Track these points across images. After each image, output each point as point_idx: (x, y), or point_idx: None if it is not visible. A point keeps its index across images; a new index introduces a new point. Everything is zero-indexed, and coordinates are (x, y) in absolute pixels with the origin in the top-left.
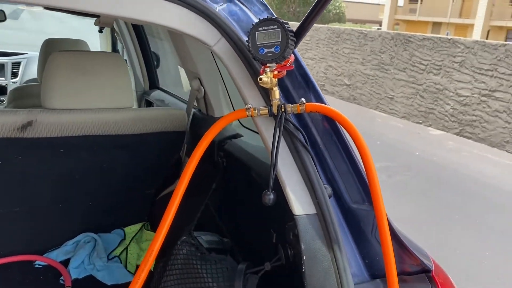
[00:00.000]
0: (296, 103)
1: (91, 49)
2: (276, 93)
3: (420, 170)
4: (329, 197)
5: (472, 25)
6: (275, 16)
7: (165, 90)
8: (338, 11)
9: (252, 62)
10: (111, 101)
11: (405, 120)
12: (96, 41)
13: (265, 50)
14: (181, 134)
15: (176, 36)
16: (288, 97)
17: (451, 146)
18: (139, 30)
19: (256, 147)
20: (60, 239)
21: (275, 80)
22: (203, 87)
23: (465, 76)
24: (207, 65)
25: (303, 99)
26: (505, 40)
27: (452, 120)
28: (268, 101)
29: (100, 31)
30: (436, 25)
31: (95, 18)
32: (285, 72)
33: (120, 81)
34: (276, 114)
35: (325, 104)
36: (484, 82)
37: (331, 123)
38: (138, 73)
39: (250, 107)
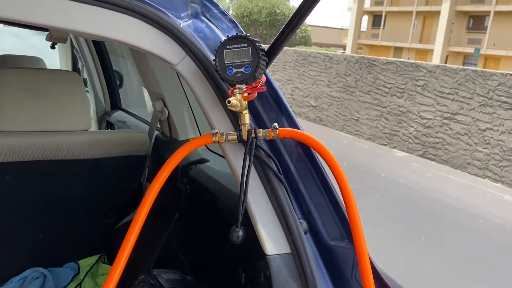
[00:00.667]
0: (267, 127)
1: (49, 67)
2: (246, 117)
3: (387, 192)
4: (305, 233)
5: (432, 50)
6: (245, 33)
7: (127, 110)
8: (304, 34)
9: (219, 83)
10: (65, 123)
11: (370, 141)
12: (56, 59)
13: (234, 70)
14: (142, 158)
15: (137, 54)
16: (258, 121)
17: (415, 168)
18: (100, 47)
19: (224, 174)
20: (4, 275)
21: (244, 103)
22: (167, 109)
23: (428, 99)
24: (171, 85)
25: (275, 124)
26: (462, 65)
27: (416, 142)
28: (237, 126)
29: (52, 47)
30: (398, 50)
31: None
32: (256, 94)
33: (75, 102)
34: (246, 140)
35: (299, 128)
36: (446, 105)
37: (305, 150)
38: (99, 92)
39: (217, 132)
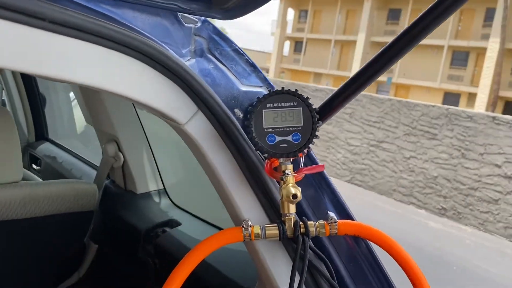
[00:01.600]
0: (309, 216)
1: None
2: (292, 206)
3: None
4: None
5: (348, 78)
6: (270, 82)
7: (57, 142)
8: None
9: (247, 151)
10: None
11: None
12: None
13: (278, 139)
14: (88, 215)
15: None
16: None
17: (342, 193)
18: None
19: None
20: None
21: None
22: (123, 154)
23: (355, 127)
24: (128, 124)
25: (332, 215)
26: (376, 92)
27: (344, 168)
28: (273, 214)
29: None
30: (317, 75)
31: None
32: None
33: (3, 145)
34: (291, 237)
35: (354, 218)
36: (372, 133)
37: (359, 244)
38: (21, 118)
39: (249, 224)
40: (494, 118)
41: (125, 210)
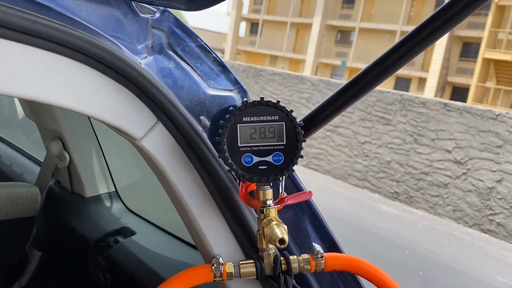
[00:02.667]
0: (295, 252)
1: None
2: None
3: None
4: None
5: (304, 61)
6: (243, 85)
7: None
8: None
9: (217, 170)
10: None
11: None
12: None
13: (255, 159)
14: (29, 220)
15: None
16: None
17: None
18: None
19: (163, 257)
20: None
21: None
22: (68, 153)
23: None
24: (74, 119)
25: (317, 247)
26: (330, 76)
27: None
28: (248, 248)
29: None
30: (273, 58)
31: None
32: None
33: None
34: (271, 275)
35: (340, 248)
36: None
37: (348, 280)
38: None
39: (220, 261)
40: (445, 104)
41: (72, 216)
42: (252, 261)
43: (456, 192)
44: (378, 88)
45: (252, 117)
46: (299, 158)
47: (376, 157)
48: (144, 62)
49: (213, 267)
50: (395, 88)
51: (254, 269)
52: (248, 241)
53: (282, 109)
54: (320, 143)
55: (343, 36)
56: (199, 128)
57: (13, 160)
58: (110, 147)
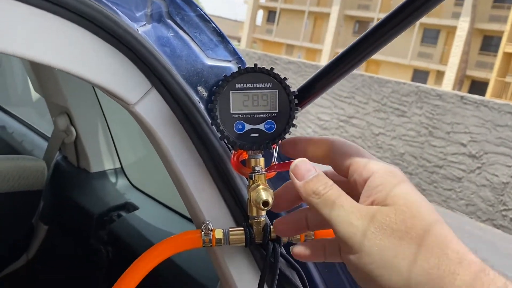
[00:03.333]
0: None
1: None
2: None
3: None
4: None
5: (321, 50)
6: (241, 56)
7: (8, 111)
8: None
9: (211, 139)
10: None
11: None
12: None
13: (247, 127)
14: (36, 194)
15: None
16: None
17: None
18: None
19: (165, 231)
20: None
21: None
22: (75, 128)
23: (326, 102)
24: (81, 95)
25: None
26: None
27: None
28: (239, 215)
29: None
30: (290, 47)
31: None
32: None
33: None
34: (260, 243)
35: None
36: (342, 109)
37: None
38: None
39: (210, 227)
40: (462, 97)
41: (77, 190)
42: (242, 228)
43: (469, 186)
44: (394, 79)
45: (245, 84)
46: (292, 127)
47: (390, 149)
48: (142, 30)
49: (203, 232)
50: (413, 81)
51: (243, 237)
52: (239, 209)
53: (276, 76)
54: (333, 134)
55: (361, 26)
56: (195, 97)
57: (24, 137)
58: (117, 124)
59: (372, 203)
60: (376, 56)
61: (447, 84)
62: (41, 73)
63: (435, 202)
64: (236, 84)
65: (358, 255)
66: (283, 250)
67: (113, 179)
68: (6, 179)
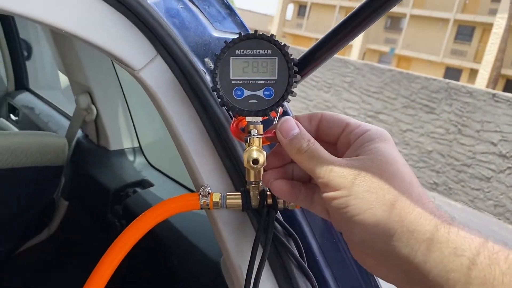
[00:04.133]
0: None
1: None
2: (259, 172)
3: None
4: None
5: (351, 46)
6: (248, 28)
7: (37, 93)
8: None
9: (212, 105)
10: None
11: None
12: None
13: (246, 93)
14: (57, 169)
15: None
16: None
17: None
18: None
19: None
20: None
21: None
22: (96, 107)
23: (353, 96)
24: (102, 75)
25: None
26: (378, 62)
27: None
28: (238, 180)
29: None
30: None
31: None
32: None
33: None
34: (257, 208)
35: None
36: (370, 104)
37: None
38: (1, 68)
39: (208, 191)
40: (494, 95)
41: (96, 167)
42: (239, 193)
43: (498, 187)
44: (424, 75)
45: (245, 50)
46: (290, 95)
47: (417, 146)
48: (152, 1)
49: (201, 195)
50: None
51: (240, 201)
52: (238, 175)
53: (276, 43)
54: None
55: (393, 22)
56: (200, 66)
57: (50, 118)
58: (137, 105)
59: (357, 155)
60: (407, 53)
61: (481, 83)
62: (65, 53)
63: (462, 202)
64: (237, 50)
65: (344, 199)
66: (280, 217)
67: (131, 158)
68: (30, 154)
